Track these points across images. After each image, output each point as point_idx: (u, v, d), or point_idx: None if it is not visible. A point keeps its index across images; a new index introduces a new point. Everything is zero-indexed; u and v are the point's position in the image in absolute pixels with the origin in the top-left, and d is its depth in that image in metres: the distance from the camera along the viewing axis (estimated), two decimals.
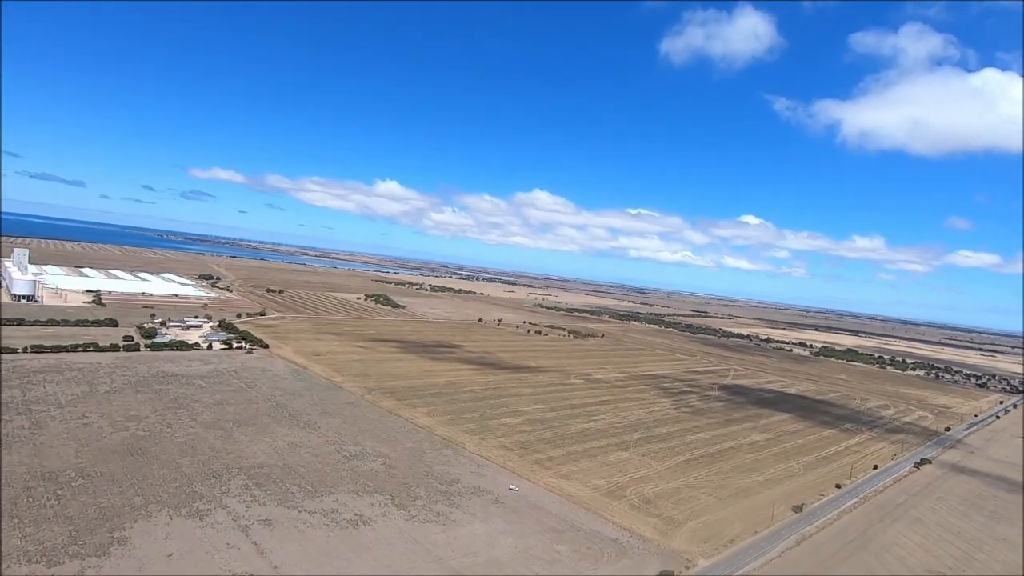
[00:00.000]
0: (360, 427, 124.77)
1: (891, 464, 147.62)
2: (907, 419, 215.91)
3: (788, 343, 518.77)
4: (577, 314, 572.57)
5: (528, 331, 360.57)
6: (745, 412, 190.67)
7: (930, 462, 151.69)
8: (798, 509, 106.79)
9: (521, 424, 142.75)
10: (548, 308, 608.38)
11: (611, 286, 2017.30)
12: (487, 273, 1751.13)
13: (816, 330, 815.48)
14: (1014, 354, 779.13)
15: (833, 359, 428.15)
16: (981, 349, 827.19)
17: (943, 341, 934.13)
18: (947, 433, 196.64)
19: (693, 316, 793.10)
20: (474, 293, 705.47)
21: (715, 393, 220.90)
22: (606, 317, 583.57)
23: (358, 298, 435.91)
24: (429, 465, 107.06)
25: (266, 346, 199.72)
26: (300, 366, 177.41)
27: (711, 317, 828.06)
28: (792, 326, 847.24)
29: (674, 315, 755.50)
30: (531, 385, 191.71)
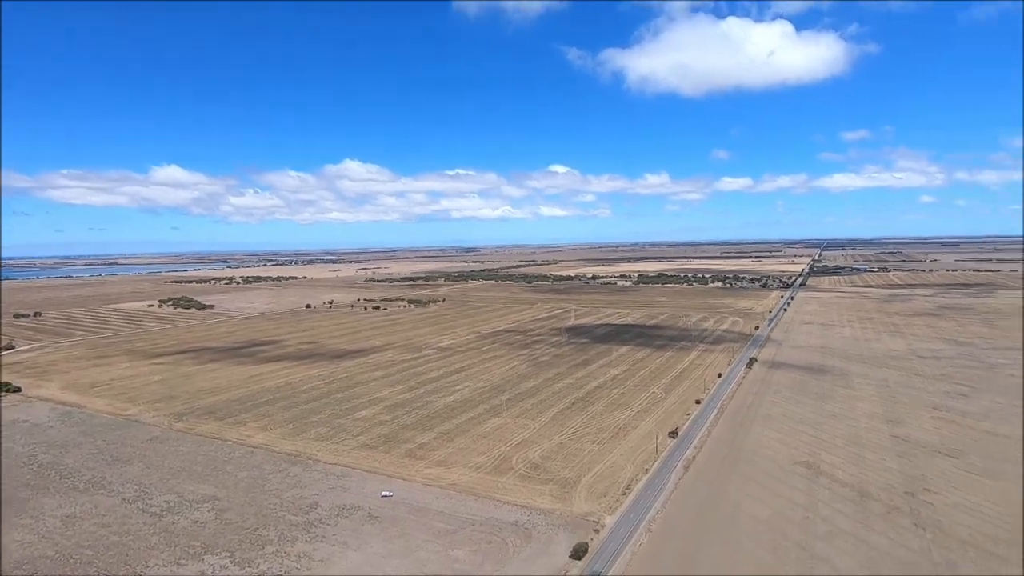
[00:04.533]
0: (171, 468, 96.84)
1: (729, 370, 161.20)
2: (724, 327, 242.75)
3: (611, 277, 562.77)
4: (412, 283, 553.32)
5: (365, 308, 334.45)
6: (597, 350, 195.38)
7: (756, 360, 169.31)
8: (674, 434, 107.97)
9: (379, 414, 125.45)
10: (380, 281, 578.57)
11: (439, 250, 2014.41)
12: (306, 255, 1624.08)
13: (629, 262, 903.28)
14: (773, 256, 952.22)
15: (651, 285, 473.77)
16: (751, 256, 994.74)
17: (723, 255, 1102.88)
18: (757, 332, 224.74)
19: (523, 266, 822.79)
20: (295, 278, 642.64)
21: (565, 337, 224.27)
22: (442, 280, 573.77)
23: (150, 306, 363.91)
24: (275, 494, 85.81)
25: (18, 389, 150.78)
26: (73, 405, 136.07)
27: (539, 265, 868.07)
28: (609, 262, 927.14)
29: (506, 268, 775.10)
30: (381, 367, 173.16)
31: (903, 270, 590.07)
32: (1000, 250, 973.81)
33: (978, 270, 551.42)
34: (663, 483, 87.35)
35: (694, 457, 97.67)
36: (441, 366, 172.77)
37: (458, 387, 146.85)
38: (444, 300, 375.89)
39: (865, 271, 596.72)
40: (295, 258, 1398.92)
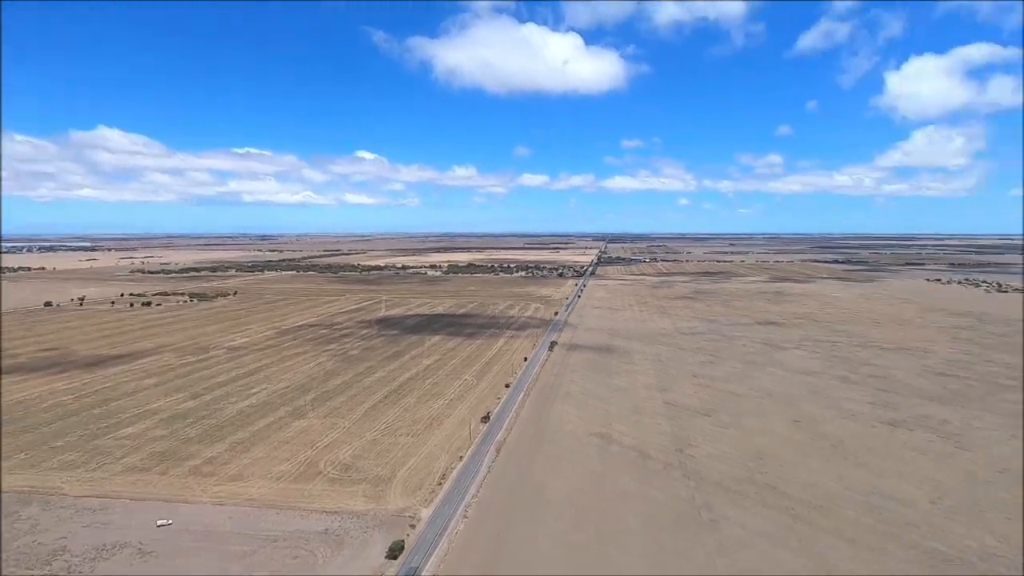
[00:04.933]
0: None
1: (534, 354, 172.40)
2: (528, 313, 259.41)
3: (422, 267, 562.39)
4: (195, 274, 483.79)
5: (132, 305, 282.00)
6: (408, 341, 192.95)
7: (557, 343, 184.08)
8: (487, 419, 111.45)
9: (153, 428, 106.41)
10: (153, 273, 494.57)
11: (229, 237, 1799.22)
12: (46, 241, 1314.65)
13: (439, 252, 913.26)
14: (568, 248, 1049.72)
15: (461, 274, 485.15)
16: (550, 247, 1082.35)
17: (526, 246, 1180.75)
18: (556, 317, 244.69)
19: (329, 256, 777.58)
20: (29, 270, 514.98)
21: (375, 329, 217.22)
22: (233, 271, 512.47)
23: None
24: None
25: None
26: None
27: (346, 254, 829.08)
28: (420, 251, 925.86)
29: (309, 258, 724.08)
30: (154, 373, 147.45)
31: (668, 260, 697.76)
32: (733, 245, 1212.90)
33: (719, 261, 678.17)
34: (477, 468, 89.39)
35: (505, 439, 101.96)
36: (233, 368, 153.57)
37: (254, 390, 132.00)
38: (235, 294, 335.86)
39: (640, 261, 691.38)
40: (29, 244, 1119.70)
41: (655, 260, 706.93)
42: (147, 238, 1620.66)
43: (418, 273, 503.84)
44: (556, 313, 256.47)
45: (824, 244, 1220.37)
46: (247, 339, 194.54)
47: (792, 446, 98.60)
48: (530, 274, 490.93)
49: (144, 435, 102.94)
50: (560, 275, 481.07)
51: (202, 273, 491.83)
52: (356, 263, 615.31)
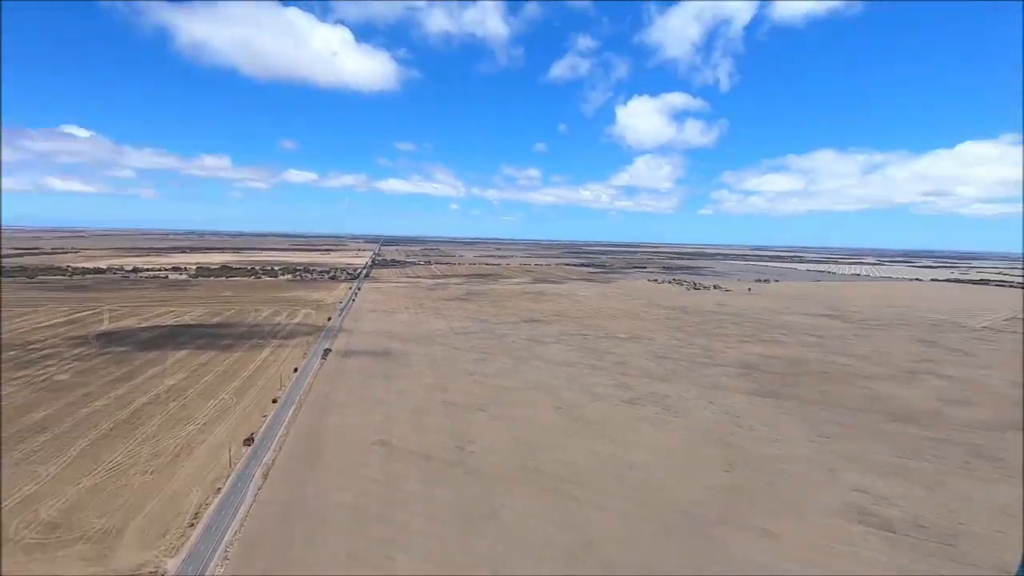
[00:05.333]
0: None
1: (305, 363, 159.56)
2: (297, 320, 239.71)
3: (161, 269, 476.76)
4: None
5: None
6: (144, 358, 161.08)
7: (331, 350, 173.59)
8: (250, 441, 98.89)
9: None
10: None
11: None
12: None
13: (185, 252, 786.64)
14: (340, 250, 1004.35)
15: (213, 278, 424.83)
16: (320, 249, 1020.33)
17: (293, 247, 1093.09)
18: (330, 323, 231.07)
19: (21, 254, 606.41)
20: None
21: (95, 346, 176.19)
22: None
23: None
24: None
25: None
26: None
27: (50, 253, 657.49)
28: (159, 251, 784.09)
29: None
30: None
31: (441, 263, 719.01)
32: (499, 249, 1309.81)
33: (488, 264, 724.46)
34: (240, 499, 78.48)
35: (274, 460, 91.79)
36: None
37: None
38: None
39: (415, 264, 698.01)
40: None
41: (429, 263, 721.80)
42: None
43: (157, 277, 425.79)
44: (329, 318, 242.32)
45: (573, 250, 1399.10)
46: None
47: (555, 430, 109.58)
48: (298, 277, 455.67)
49: None
50: (333, 278, 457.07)
51: None
52: (65, 264, 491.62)
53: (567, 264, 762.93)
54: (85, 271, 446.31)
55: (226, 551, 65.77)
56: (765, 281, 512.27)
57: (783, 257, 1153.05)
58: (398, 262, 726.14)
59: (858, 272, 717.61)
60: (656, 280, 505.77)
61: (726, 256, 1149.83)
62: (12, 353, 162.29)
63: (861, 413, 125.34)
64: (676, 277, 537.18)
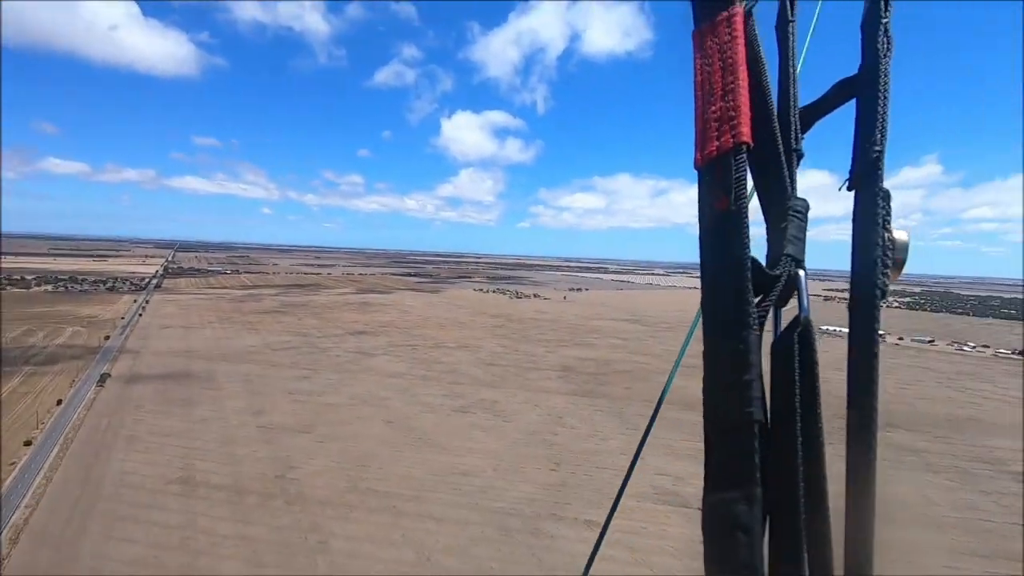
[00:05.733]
0: None
1: (71, 393, 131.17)
2: (61, 340, 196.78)
3: None
4: None
5: None
6: None
7: (110, 375, 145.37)
8: None
9: None
10: None
11: None
12: None
13: None
14: (122, 256, 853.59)
15: None
16: (92, 255, 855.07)
17: (53, 252, 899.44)
18: (108, 343, 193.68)
19: None
20: None
21: None
22: None
23: None
24: None
25: None
26: None
27: None
28: None
29: None
30: None
31: (252, 272, 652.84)
32: (319, 257, 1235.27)
33: (306, 273, 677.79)
34: None
35: (27, 519, 73.16)
36: None
37: None
38: None
39: (220, 273, 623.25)
40: None
41: (238, 272, 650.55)
42: None
43: None
44: (107, 337, 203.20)
45: (398, 259, 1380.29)
46: None
47: (388, 445, 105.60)
48: (62, 288, 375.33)
49: None
50: (111, 289, 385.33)
51: None
52: None
53: (393, 274, 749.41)
54: None
55: None
56: (578, 290, 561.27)
57: (591, 268, 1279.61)
58: (199, 271, 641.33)
59: (651, 282, 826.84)
60: (482, 289, 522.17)
61: (544, 267, 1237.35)
62: None
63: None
64: (500, 287, 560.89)
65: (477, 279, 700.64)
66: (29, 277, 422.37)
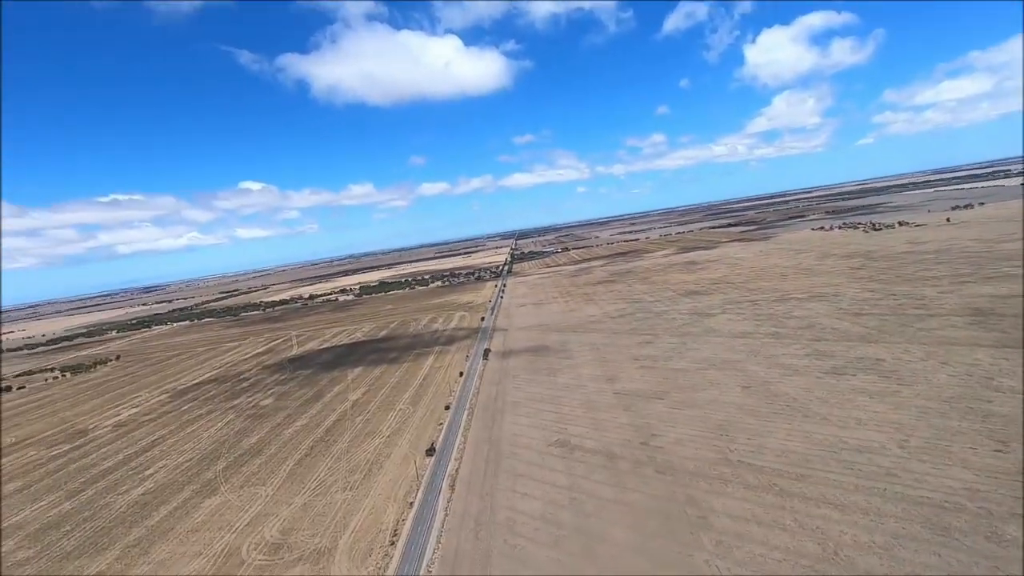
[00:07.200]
0: None
1: (468, 366, 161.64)
2: (454, 324, 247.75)
3: (331, 293, 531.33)
4: (67, 343, 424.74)
5: None
6: (329, 377, 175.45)
7: (490, 350, 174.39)
8: (432, 451, 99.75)
9: (16, 549, 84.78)
10: (14, 350, 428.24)
11: (107, 295, 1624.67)
12: None
13: (347, 275, 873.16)
14: (480, 250, 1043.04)
15: (374, 295, 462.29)
16: (461, 253, 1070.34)
17: (437, 255, 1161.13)
18: (484, 323, 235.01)
19: (225, 298, 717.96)
20: None
21: (288, 371, 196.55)
22: (112, 333, 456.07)
23: None
24: None
25: None
26: None
27: (246, 293, 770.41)
28: (326, 278, 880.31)
29: (203, 303, 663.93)
30: (17, 475, 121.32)
31: (578, 248, 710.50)
32: (634, 223, 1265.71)
33: (626, 241, 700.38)
34: (432, 513, 77.82)
35: (457, 470, 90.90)
36: (120, 448, 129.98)
37: (149, 471, 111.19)
38: (118, 358, 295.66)
39: (553, 253, 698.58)
40: None
41: (567, 249, 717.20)
42: (6, 311, 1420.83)
43: (328, 300, 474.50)
44: (483, 319, 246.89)
45: (714, 211, 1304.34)
46: (136, 409, 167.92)
47: (751, 413, 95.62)
48: (447, 283, 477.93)
49: (4, 560, 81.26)
50: (478, 279, 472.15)
51: (75, 341, 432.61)
52: (258, 301, 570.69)
53: (712, 227, 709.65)
54: (273, 304, 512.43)
55: (428, 569, 64.32)
56: (965, 206, 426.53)
57: (980, 175, 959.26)
58: (536, 253, 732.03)
59: None
60: (823, 228, 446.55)
61: (903, 187, 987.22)
62: (228, 383, 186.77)
63: None
64: (846, 221, 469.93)
65: (813, 217, 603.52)
66: (427, 277, 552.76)
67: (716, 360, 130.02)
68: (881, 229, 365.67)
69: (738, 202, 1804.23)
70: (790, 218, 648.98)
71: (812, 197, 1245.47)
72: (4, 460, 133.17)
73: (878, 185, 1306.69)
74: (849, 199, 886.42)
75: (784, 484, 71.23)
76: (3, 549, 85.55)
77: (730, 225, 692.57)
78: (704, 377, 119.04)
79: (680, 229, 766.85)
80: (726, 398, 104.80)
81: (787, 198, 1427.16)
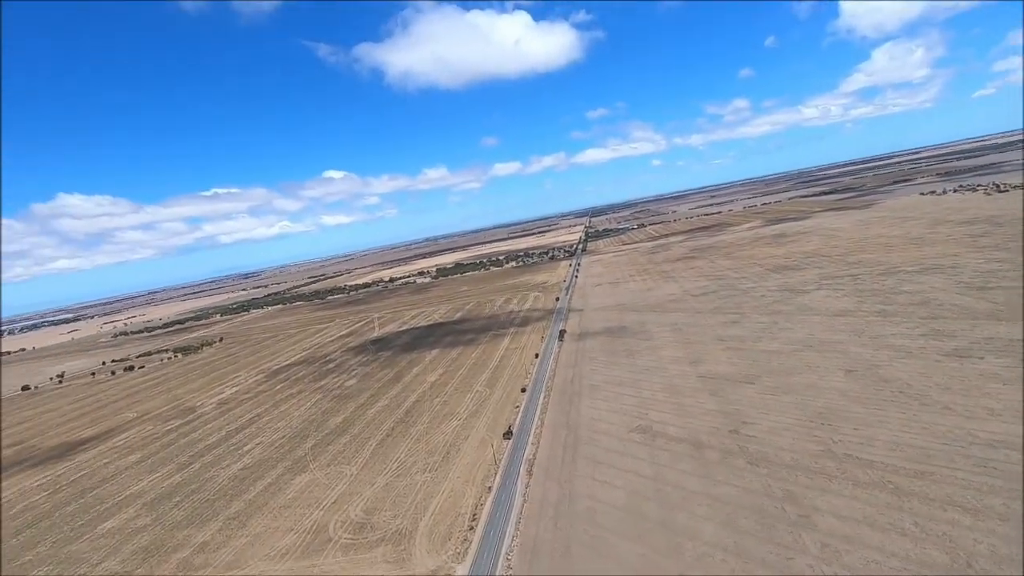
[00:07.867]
0: None
1: (544, 347, 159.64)
2: (528, 305, 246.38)
3: (409, 276, 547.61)
4: (179, 326, 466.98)
5: (113, 373, 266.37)
6: (408, 358, 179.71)
7: (566, 331, 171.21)
8: (509, 434, 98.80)
9: (135, 517, 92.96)
10: (136, 333, 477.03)
11: (212, 282, 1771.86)
12: (28, 320, 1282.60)
13: (424, 257, 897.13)
14: (553, 230, 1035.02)
15: (450, 276, 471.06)
16: (534, 233, 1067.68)
17: (510, 236, 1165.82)
18: (559, 304, 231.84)
19: (313, 282, 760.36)
20: (8, 353, 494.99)
21: (370, 352, 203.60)
22: (217, 317, 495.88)
23: None
24: None
25: None
26: None
27: (332, 277, 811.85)
28: (404, 261, 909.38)
29: (294, 288, 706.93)
30: (137, 447, 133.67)
31: (656, 223, 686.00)
32: (714, 196, 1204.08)
33: (707, 214, 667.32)
34: (510, 499, 76.72)
35: (535, 455, 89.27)
36: (222, 425, 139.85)
37: (246, 447, 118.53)
38: (221, 340, 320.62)
39: (629, 229, 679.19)
40: (9, 327, 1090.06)
41: (643, 225, 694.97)
42: (129, 298, 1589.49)
43: (407, 283, 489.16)
44: (557, 299, 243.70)
45: (804, 178, 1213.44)
46: (236, 388, 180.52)
47: (856, 400, 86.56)
48: (521, 263, 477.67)
49: (125, 528, 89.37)
50: (552, 258, 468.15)
51: (186, 324, 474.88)
52: (342, 284, 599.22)
53: (802, 196, 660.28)
54: (357, 287, 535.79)
55: (508, 560, 63.14)
56: None
57: None
58: (611, 231, 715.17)
59: None
60: (935, 192, 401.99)
61: None
62: (316, 364, 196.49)
63: None
64: (962, 183, 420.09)
65: (921, 180, 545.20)
66: (501, 257, 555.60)
67: (813, 341, 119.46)
68: (1007, 191, 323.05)
69: (831, 168, 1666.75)
70: (894, 183, 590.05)
71: (920, 158, 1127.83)
72: (129, 433, 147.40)
73: (999, 141, 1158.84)
74: (965, 158, 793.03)
75: (901, 482, 63.43)
76: (123, 519, 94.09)
77: (824, 193, 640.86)
78: (800, 360, 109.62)
79: (766, 200, 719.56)
80: (826, 383, 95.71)
81: (889, 161, 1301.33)
